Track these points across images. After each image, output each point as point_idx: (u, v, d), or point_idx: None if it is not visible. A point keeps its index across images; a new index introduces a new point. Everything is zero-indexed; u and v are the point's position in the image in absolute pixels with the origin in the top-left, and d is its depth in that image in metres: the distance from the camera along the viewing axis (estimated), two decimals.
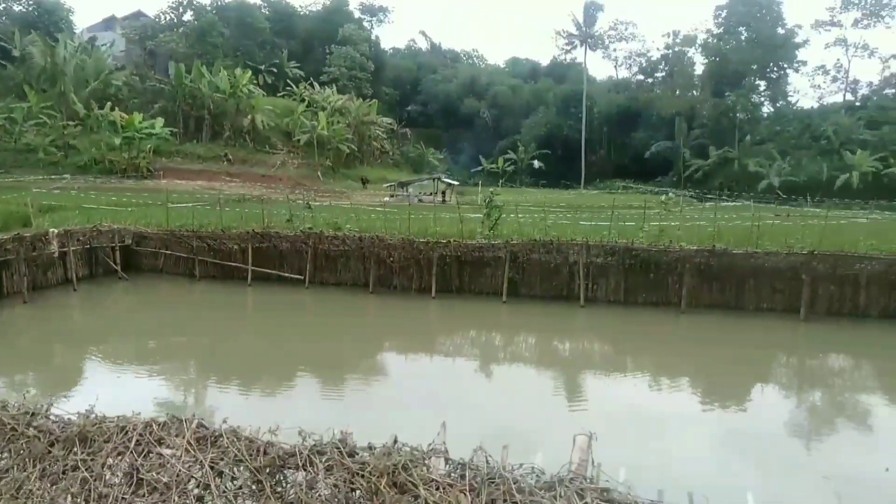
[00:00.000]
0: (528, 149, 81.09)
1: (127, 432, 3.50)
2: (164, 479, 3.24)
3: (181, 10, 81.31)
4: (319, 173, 64.43)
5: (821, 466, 7.49)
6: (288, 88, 78.01)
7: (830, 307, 16.84)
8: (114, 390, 10.23)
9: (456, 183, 62.37)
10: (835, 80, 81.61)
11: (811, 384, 12.56)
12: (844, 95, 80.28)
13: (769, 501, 3.37)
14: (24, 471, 3.35)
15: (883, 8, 75.25)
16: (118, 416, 3.68)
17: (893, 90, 77.10)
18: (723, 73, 74.64)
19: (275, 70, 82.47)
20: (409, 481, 3.03)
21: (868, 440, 9.50)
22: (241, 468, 3.31)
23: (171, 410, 3.72)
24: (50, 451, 3.44)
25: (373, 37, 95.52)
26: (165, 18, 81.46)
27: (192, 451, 3.36)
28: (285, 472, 3.31)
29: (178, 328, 15.69)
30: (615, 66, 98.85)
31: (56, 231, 18.97)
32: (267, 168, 62.73)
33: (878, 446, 9.04)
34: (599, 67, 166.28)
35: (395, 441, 3.35)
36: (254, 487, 3.21)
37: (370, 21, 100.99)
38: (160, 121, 57.23)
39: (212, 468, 3.28)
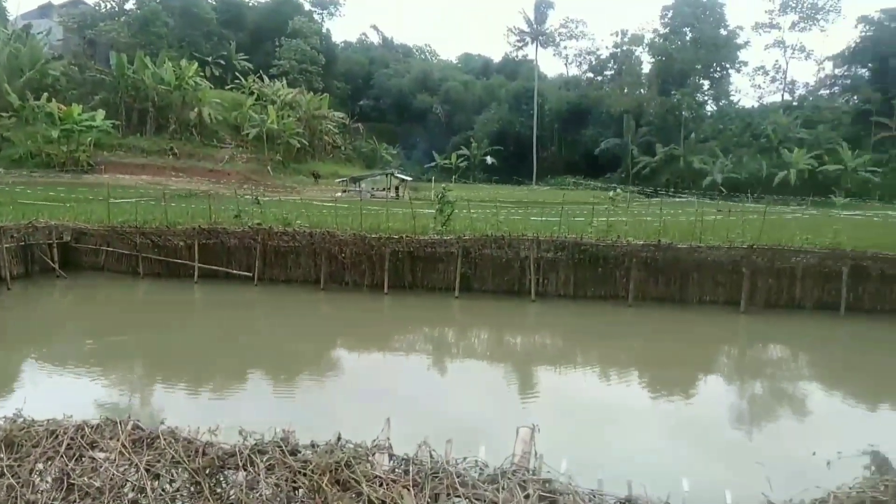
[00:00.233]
0: (480, 145, 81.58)
1: (57, 436, 3.36)
2: (97, 484, 3.13)
3: None
4: (269, 168, 63.31)
5: (755, 452, 7.81)
6: (236, 81, 76.30)
7: (768, 299, 17.52)
8: (47, 394, 9.81)
9: (409, 178, 62.27)
10: (774, 80, 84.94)
11: (750, 374, 13.04)
12: (783, 95, 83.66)
13: (702, 486, 3.48)
14: None
15: (818, 12, 78.60)
16: (48, 420, 3.52)
17: (828, 91, 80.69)
18: (669, 72, 76.69)
19: (222, 62, 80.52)
20: (352, 478, 3.00)
21: (799, 426, 9.95)
22: (179, 470, 3.22)
23: (111, 413, 3.60)
24: None
25: (324, 30, 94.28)
26: (106, 6, 78.44)
27: (127, 454, 3.25)
28: (225, 472, 3.24)
29: (119, 327, 15.16)
30: (566, 64, 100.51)
31: None
32: (215, 162, 61.27)
33: (808, 432, 9.49)
34: (550, 65, 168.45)
35: (339, 438, 3.32)
36: (192, 489, 3.13)
37: (321, 14, 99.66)
38: (101, 113, 55.14)
39: (148, 471, 3.18)
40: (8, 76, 55.18)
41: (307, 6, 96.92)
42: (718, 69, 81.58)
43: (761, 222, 19.75)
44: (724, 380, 12.75)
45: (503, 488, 2.98)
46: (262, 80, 75.03)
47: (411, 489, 2.99)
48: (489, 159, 78.60)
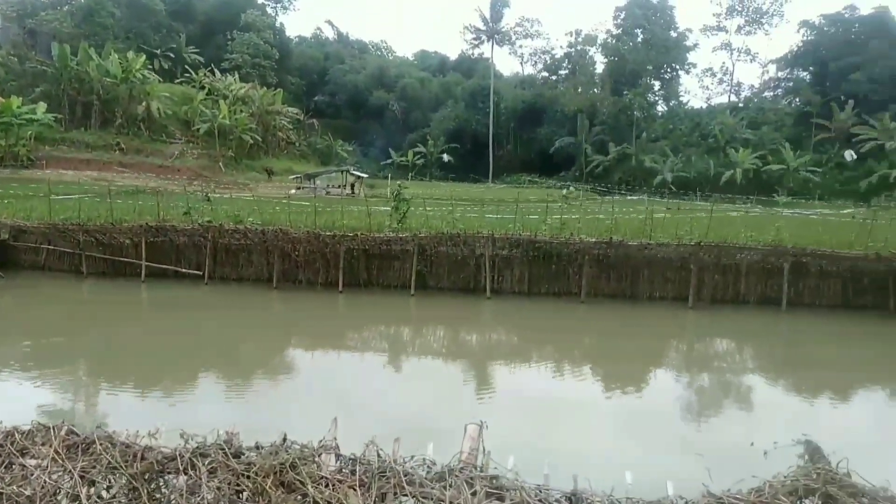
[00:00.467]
0: (437, 142, 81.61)
1: None
2: (27, 492, 2.99)
3: None
4: (221, 164, 61.91)
5: (698, 444, 8.06)
6: (186, 75, 74.25)
7: (715, 295, 18.06)
8: None
9: (365, 175, 61.82)
10: (721, 81, 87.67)
11: (697, 368, 13.44)
12: (729, 97, 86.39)
13: (646, 479, 3.55)
14: None
15: (763, 16, 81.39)
16: None
17: (771, 93, 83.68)
18: (621, 73, 78.19)
19: (172, 55, 78.29)
20: (297, 480, 2.96)
21: (740, 417, 10.30)
22: (117, 476, 3.11)
23: (48, 419, 3.45)
24: None
25: (277, 24, 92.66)
26: None
27: (61, 461, 3.13)
28: (165, 477, 3.15)
29: (60, 328, 14.59)
30: (521, 63, 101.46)
31: None
32: (164, 158, 59.54)
33: (749, 422, 9.82)
34: (506, 63, 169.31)
35: (284, 439, 3.26)
36: (129, 495, 3.03)
37: (274, 8, 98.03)
38: (42, 106, 52.87)
39: (82, 477, 3.06)
40: None
41: (260, 0, 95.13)
42: (669, 70, 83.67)
43: (708, 220, 20.34)
44: (671, 373, 13.07)
45: (450, 486, 2.98)
46: (214, 74, 73.27)
47: (357, 489, 2.96)
48: (446, 157, 78.73)
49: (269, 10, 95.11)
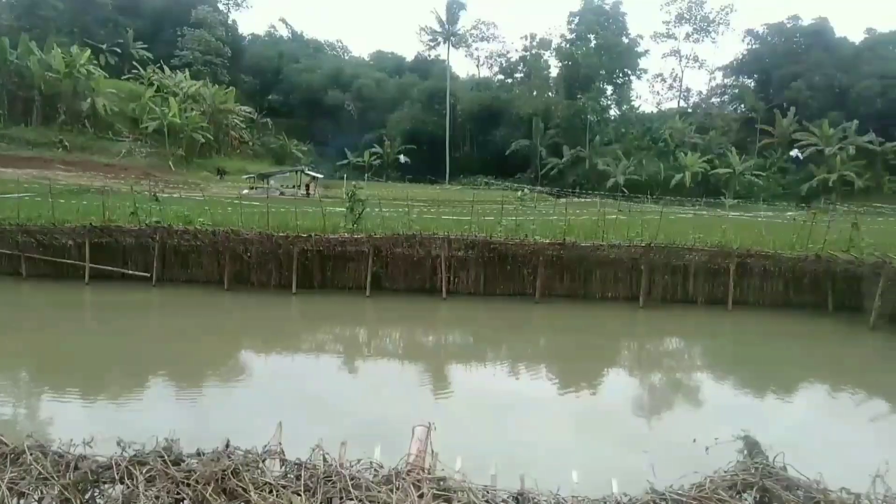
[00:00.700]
0: (393, 143, 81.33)
1: None
2: None
3: None
4: (171, 163, 60.31)
5: (645, 441, 8.24)
6: (134, 71, 72.12)
7: (665, 294, 18.51)
8: None
9: (320, 176, 61.16)
10: (671, 87, 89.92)
11: (646, 366, 13.75)
12: (679, 102, 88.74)
13: (592, 476, 3.60)
14: None
15: (710, 24, 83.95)
16: None
17: (718, 99, 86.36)
18: (575, 77, 79.43)
19: (118, 51, 75.88)
20: (240, 486, 2.88)
21: (686, 414, 10.60)
22: (48, 487, 2.97)
23: None
24: None
25: (229, 21, 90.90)
26: None
27: None
28: (101, 487, 3.03)
29: None
30: (477, 65, 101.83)
31: None
32: (110, 156, 57.67)
33: (694, 419, 10.10)
34: (462, 65, 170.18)
35: (227, 445, 3.18)
36: None
37: (226, 4, 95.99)
38: None
39: (10, 489, 2.92)
40: None
41: None
42: (621, 75, 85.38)
43: (658, 222, 20.83)
44: (621, 372, 13.34)
45: (397, 489, 2.96)
46: (163, 71, 71.34)
47: (302, 495, 2.90)
48: (402, 158, 78.52)
49: (221, 6, 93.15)
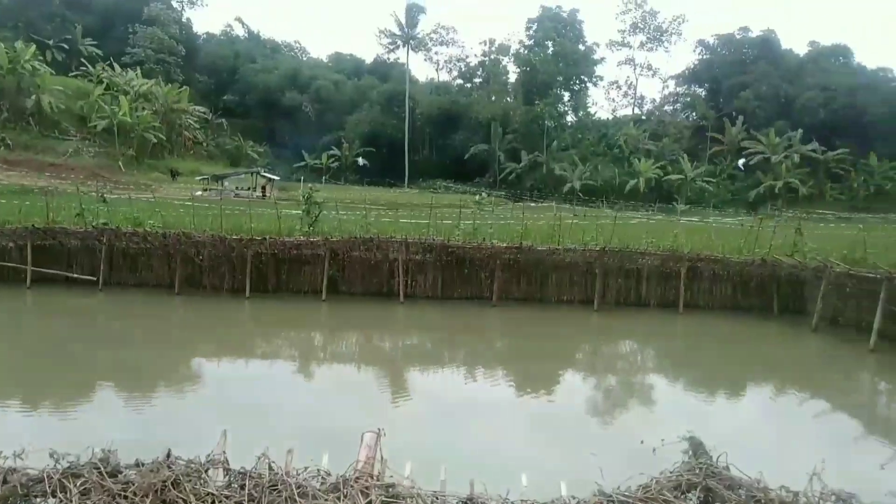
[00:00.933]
0: (352, 146, 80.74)
1: None
2: None
3: None
4: (121, 163, 58.53)
5: (595, 443, 8.35)
6: (82, 68, 69.69)
7: (618, 298, 18.86)
8: None
9: (277, 178, 60.27)
10: (626, 95, 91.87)
11: (600, 369, 13.96)
12: (633, 109, 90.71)
13: (541, 480, 3.62)
14: None
15: (663, 34, 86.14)
16: None
17: (671, 107, 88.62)
18: (533, 83, 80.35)
19: (66, 47, 73.30)
20: (180, 498, 2.79)
21: (635, 416, 10.78)
22: None
23: None
24: None
25: (184, 19, 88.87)
26: None
27: None
28: (32, 500, 2.89)
29: None
30: (437, 69, 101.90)
31: None
32: (56, 156, 55.61)
33: (644, 420, 10.28)
34: (422, 69, 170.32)
35: (168, 455, 3.08)
36: None
37: (180, 2, 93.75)
38: None
39: None
40: None
41: None
42: (578, 82, 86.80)
43: (612, 227, 21.21)
44: (575, 375, 13.50)
45: (344, 496, 2.91)
46: (113, 69, 69.13)
47: None
48: (361, 160, 77.96)
49: (174, 4, 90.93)
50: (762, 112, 73.64)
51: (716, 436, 4.30)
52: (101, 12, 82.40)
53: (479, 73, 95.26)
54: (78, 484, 2.83)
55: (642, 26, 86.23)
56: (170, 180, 57.78)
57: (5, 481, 2.86)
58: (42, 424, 8.88)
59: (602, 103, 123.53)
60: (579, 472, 3.74)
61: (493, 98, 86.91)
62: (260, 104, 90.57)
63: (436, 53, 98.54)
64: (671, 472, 3.50)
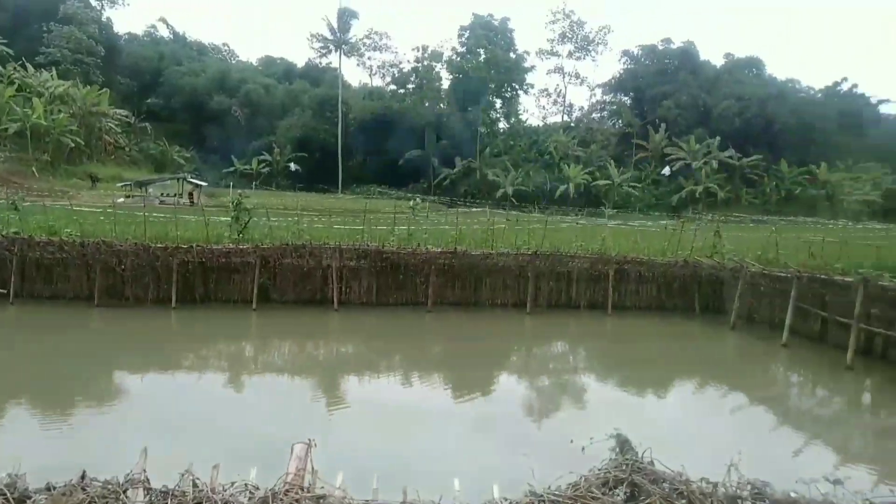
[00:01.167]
0: (284, 151, 79.20)
1: None
2: None
3: None
4: (34, 169, 55.21)
5: (527, 444, 8.48)
6: None
7: (550, 300, 19.28)
8: None
9: (204, 184, 58.34)
10: (555, 102, 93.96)
11: (534, 371, 14.20)
12: (563, 116, 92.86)
13: (474, 483, 3.65)
14: None
15: (590, 44, 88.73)
16: None
17: (598, 115, 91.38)
18: (465, 90, 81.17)
19: None
20: None
21: (568, 415, 11.04)
22: None
23: None
24: None
25: (103, 18, 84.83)
26: None
27: None
28: None
29: None
30: (370, 75, 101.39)
31: None
32: None
33: (575, 420, 10.54)
34: (354, 74, 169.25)
35: (84, 476, 2.92)
36: None
37: (100, 1, 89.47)
38: None
39: None
40: None
41: None
42: (509, 89, 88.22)
43: (543, 231, 21.66)
44: (509, 377, 13.69)
45: None
46: (26, 69, 65.23)
47: None
48: (293, 166, 76.54)
49: (93, 2, 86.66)
50: (683, 120, 76.97)
51: (642, 432, 4.45)
52: (13, 10, 77.51)
53: (412, 78, 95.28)
54: None
55: (570, 36, 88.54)
56: (89, 186, 54.94)
57: None
58: None
59: (533, 110, 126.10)
60: (512, 474, 3.80)
61: (427, 104, 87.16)
62: (186, 108, 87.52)
63: (369, 59, 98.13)
64: (599, 470, 3.61)
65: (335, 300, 17.82)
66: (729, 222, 39.99)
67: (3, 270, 16.90)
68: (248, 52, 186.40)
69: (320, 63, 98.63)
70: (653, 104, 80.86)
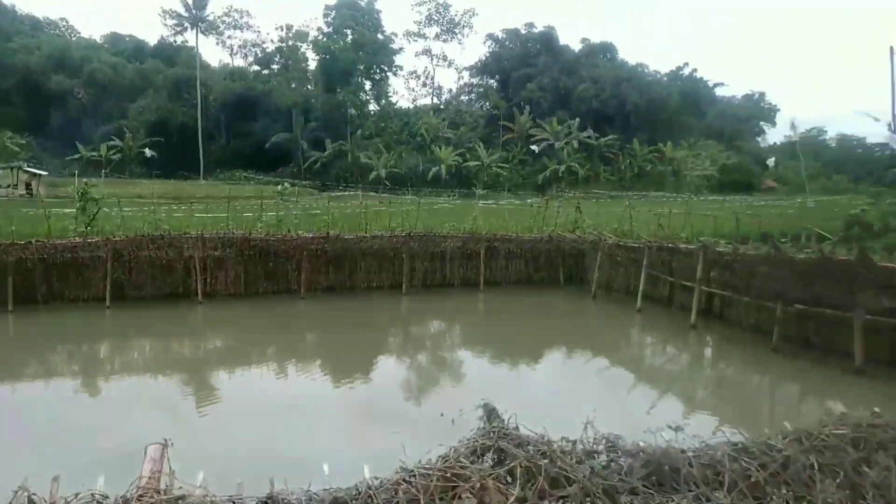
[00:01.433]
0: (136, 135, 73.33)
1: None
2: None
3: None
4: None
5: (400, 423, 8.55)
6: None
7: (425, 280, 19.54)
8: None
9: (44, 173, 52.83)
10: (424, 84, 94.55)
11: (411, 350, 14.35)
12: (432, 99, 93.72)
13: (344, 467, 3.63)
14: None
15: (455, 26, 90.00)
16: None
17: (467, 97, 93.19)
18: (333, 71, 79.38)
19: None
20: None
21: (443, 391, 11.30)
22: None
23: None
24: None
25: None
26: None
27: None
28: None
29: None
30: (231, 54, 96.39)
31: None
32: None
33: (450, 394, 10.75)
34: (213, 53, 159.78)
35: None
36: None
37: None
38: None
39: None
40: None
41: None
42: (378, 71, 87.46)
43: (417, 213, 21.84)
44: (388, 359, 13.71)
45: None
46: None
47: None
48: (148, 152, 71.13)
49: None
50: (546, 102, 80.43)
51: (514, 401, 4.62)
52: None
53: (276, 59, 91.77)
54: None
55: (437, 18, 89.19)
56: None
57: None
58: None
59: (403, 93, 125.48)
60: (384, 454, 3.80)
61: (294, 85, 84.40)
62: (19, 89, 78.29)
63: (229, 38, 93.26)
64: (468, 440, 3.72)
65: (199, 292, 16.91)
66: (589, 199, 42.51)
67: None
68: (91, 28, 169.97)
69: (175, 41, 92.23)
70: (517, 87, 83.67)
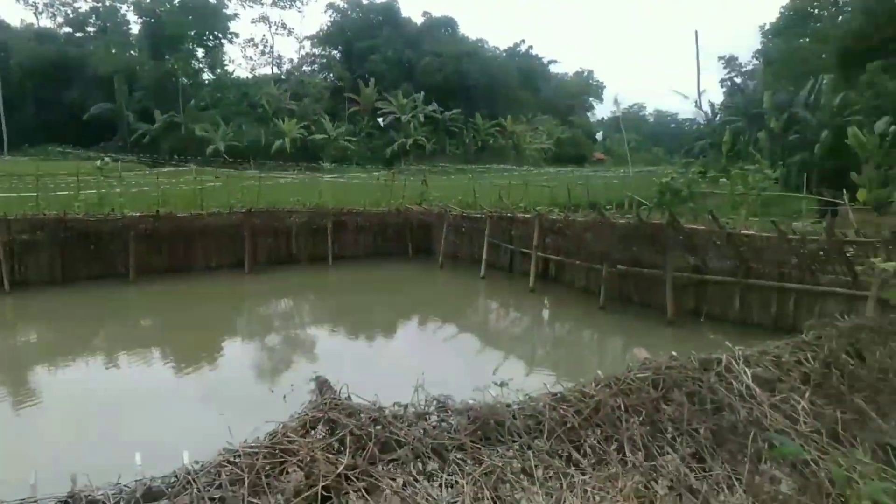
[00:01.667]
0: None
1: None
2: None
3: None
4: None
5: (225, 404, 8.25)
6: None
7: (270, 257, 18.87)
8: None
9: None
10: (263, 53, 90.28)
11: (259, 330, 13.81)
12: (272, 69, 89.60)
13: (161, 454, 3.41)
14: None
15: None
16: None
17: (309, 68, 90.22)
18: (160, 36, 73.07)
19: None
20: None
21: (279, 368, 11.08)
22: None
23: None
24: None
25: None
26: None
27: None
28: None
29: None
30: (35, 14, 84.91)
31: None
32: None
33: (295, 372, 10.54)
34: (14, 12, 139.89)
35: None
36: None
37: None
38: None
39: None
40: None
41: None
42: (212, 38, 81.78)
43: (258, 188, 20.92)
44: (231, 341, 13.09)
45: None
46: None
47: None
48: None
49: None
50: (390, 75, 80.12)
51: (360, 374, 4.61)
52: None
53: (91, 20, 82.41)
54: None
55: None
56: None
57: None
58: None
59: (240, 62, 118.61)
60: (208, 438, 3.62)
61: (115, 51, 76.25)
62: None
63: None
64: (298, 414, 3.65)
65: (6, 282, 14.98)
66: (436, 172, 43.35)
67: None
68: None
69: None
70: (361, 59, 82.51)
